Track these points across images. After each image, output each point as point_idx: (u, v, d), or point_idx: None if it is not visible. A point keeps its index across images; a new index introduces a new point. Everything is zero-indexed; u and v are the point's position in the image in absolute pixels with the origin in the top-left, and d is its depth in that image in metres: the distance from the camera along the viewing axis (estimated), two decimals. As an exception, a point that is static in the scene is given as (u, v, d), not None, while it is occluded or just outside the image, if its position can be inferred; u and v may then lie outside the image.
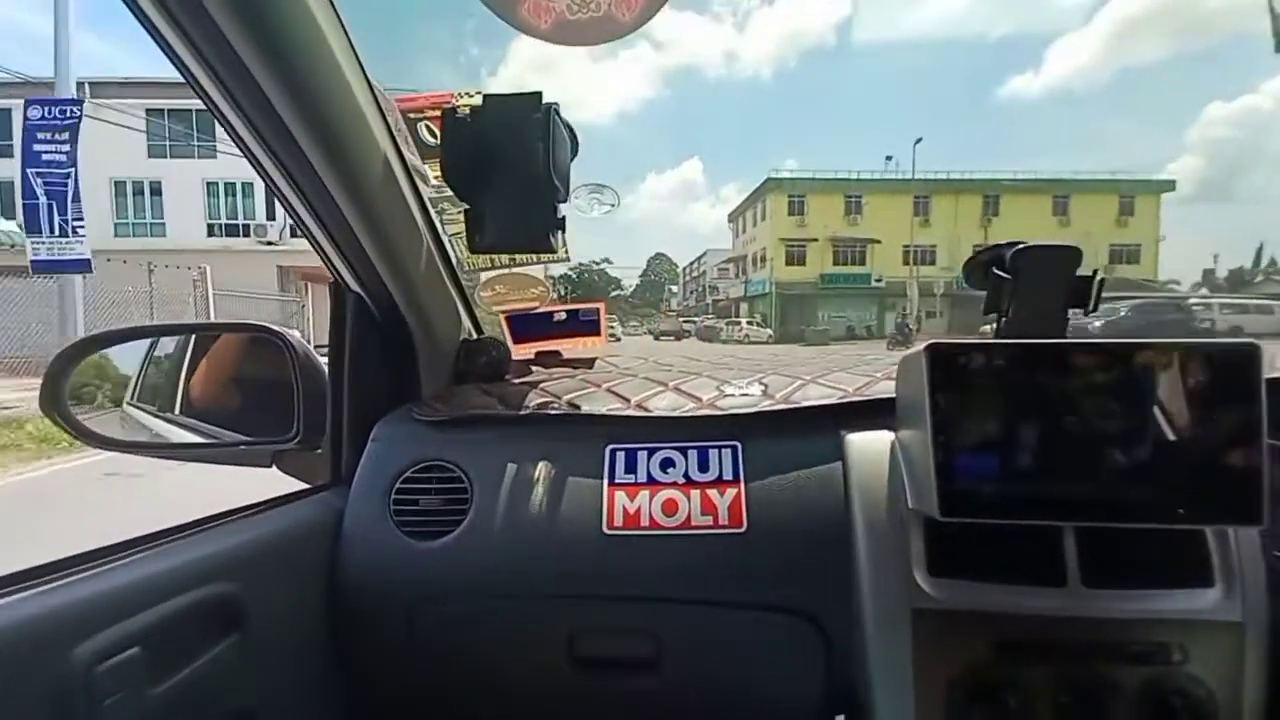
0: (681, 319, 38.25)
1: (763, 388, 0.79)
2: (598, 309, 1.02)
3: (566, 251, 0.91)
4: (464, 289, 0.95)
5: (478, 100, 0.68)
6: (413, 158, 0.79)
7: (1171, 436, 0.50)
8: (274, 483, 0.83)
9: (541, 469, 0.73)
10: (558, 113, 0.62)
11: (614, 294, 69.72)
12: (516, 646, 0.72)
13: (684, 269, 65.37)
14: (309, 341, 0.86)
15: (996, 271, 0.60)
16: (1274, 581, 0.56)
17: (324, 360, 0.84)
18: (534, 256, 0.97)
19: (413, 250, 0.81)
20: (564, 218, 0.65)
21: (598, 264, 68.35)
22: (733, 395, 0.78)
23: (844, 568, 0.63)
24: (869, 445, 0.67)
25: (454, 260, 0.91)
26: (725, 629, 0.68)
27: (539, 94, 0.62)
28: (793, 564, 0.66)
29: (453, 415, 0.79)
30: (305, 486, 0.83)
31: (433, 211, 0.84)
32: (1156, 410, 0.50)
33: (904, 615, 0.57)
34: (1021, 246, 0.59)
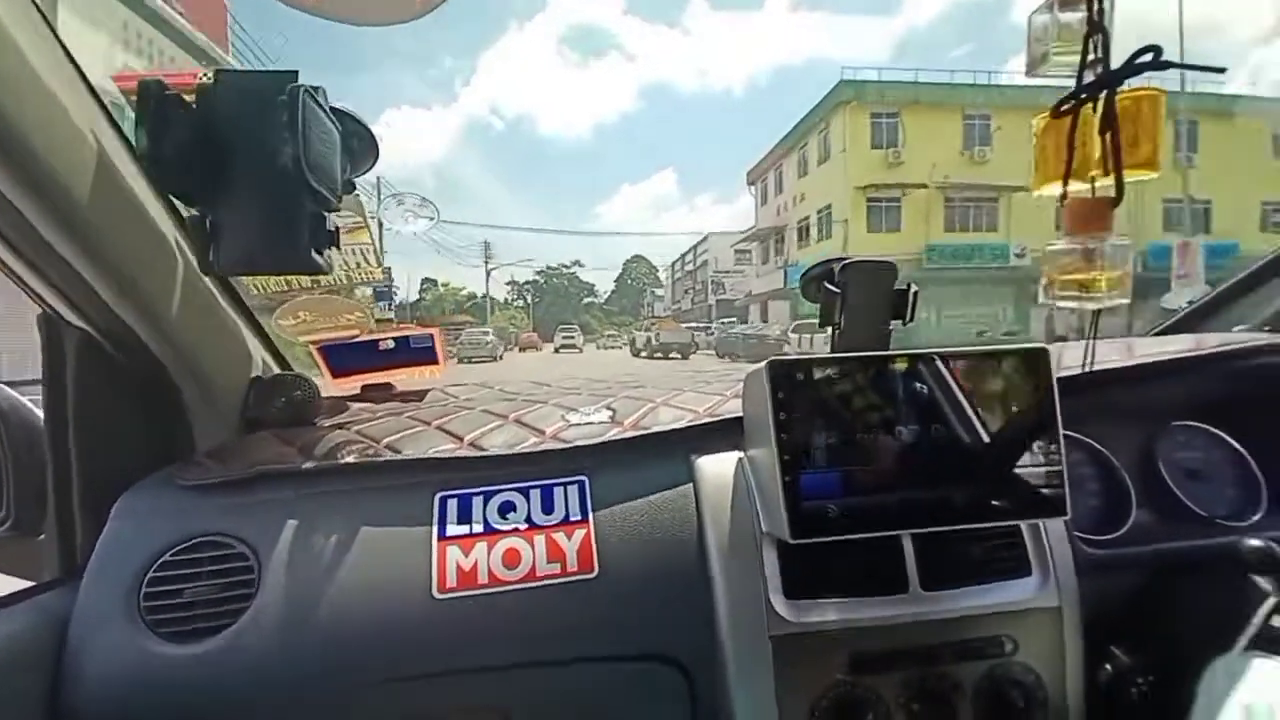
0: (689, 327, 24.60)
1: (610, 414, 0.74)
2: (431, 334, 0.89)
3: (382, 270, 0.78)
4: (253, 316, 0.78)
5: None
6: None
7: (983, 438, 0.54)
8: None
9: (353, 530, 0.61)
10: (315, 98, 0.49)
11: (586, 300, 63.92)
12: None
13: (674, 263, 51.11)
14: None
15: (828, 286, 0.62)
16: (1080, 564, 0.61)
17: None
18: (348, 275, 0.83)
19: (159, 270, 0.64)
20: (334, 231, 0.53)
21: (568, 267, 61.19)
22: (578, 424, 0.72)
23: (702, 602, 0.60)
24: (719, 468, 0.64)
25: (233, 282, 0.74)
26: (582, 689, 0.61)
27: (292, 74, 0.49)
28: (649, 605, 0.61)
29: (232, 476, 0.64)
30: (24, 586, 0.63)
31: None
32: (969, 414, 0.54)
33: (763, 645, 0.56)
34: (847, 262, 0.61)
